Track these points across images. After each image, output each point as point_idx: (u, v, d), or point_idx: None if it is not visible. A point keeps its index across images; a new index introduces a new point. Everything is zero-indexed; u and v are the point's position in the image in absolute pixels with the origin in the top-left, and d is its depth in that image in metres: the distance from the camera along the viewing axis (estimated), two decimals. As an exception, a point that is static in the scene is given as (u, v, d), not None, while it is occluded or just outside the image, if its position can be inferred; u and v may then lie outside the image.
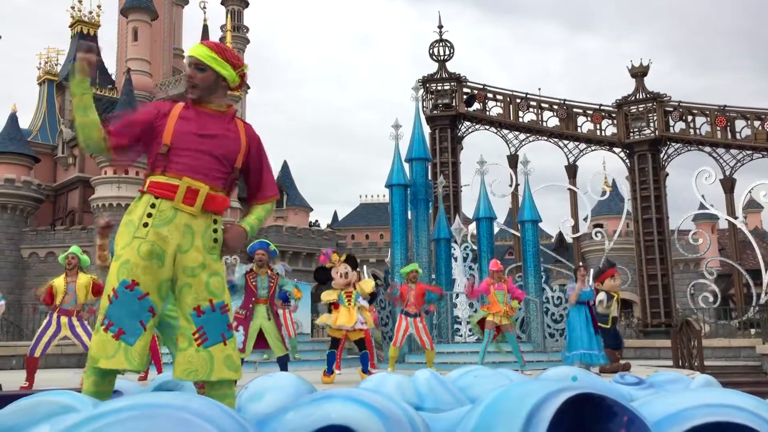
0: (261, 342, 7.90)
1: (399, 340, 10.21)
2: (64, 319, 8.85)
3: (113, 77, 53.47)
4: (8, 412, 1.84)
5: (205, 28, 58.43)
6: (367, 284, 9.76)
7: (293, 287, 12.95)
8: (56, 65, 52.54)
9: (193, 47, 3.26)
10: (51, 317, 8.89)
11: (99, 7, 54.56)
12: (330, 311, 9.66)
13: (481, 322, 11.12)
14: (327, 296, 9.46)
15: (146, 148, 3.17)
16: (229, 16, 55.21)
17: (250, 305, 7.74)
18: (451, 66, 27.37)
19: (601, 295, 11.07)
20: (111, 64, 55.63)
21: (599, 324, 10.82)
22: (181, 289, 3.05)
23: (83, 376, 3.06)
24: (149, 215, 3.04)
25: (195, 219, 3.07)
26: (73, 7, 53.56)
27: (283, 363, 7.86)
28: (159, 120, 3.15)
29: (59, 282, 8.89)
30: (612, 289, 11.16)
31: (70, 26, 55.21)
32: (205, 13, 55.47)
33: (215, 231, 3.13)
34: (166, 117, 3.15)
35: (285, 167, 50.81)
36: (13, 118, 46.74)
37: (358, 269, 9.84)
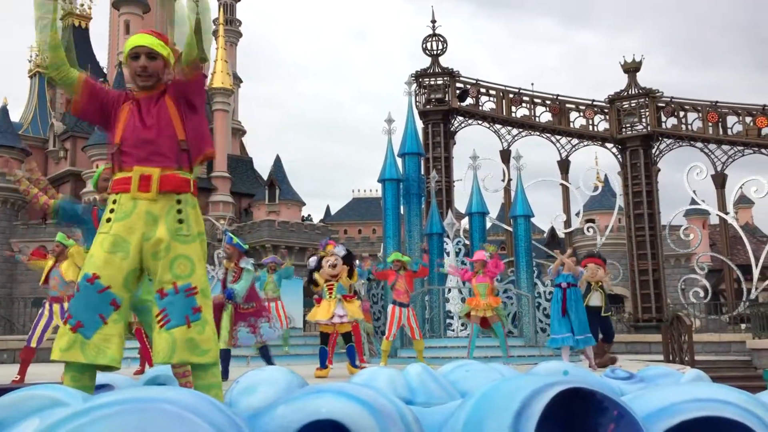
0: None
1: (392, 333, 10.18)
2: (56, 307, 8.88)
3: (105, 71, 53.21)
4: (-2, 406, 1.83)
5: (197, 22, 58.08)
6: (346, 281, 9.55)
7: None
8: (47, 58, 52.24)
9: (137, 37, 3.32)
10: (44, 306, 8.94)
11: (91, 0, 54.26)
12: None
13: (469, 316, 11.17)
14: (317, 276, 9.34)
15: (101, 124, 3.31)
16: (221, 9, 55.00)
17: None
18: (446, 61, 27.35)
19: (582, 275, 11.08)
20: (103, 58, 55.38)
21: (589, 307, 10.91)
22: (152, 275, 3.11)
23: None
24: (111, 211, 3.10)
25: (155, 203, 3.09)
26: (64, 0, 53.25)
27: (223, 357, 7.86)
28: (114, 113, 3.25)
29: (49, 263, 8.95)
30: (592, 277, 11.16)
31: (62, 19, 54.85)
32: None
33: (179, 212, 3.13)
34: (117, 115, 3.23)
35: (278, 161, 50.69)
36: (4, 111, 46.46)
37: (353, 266, 9.74)
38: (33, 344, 8.67)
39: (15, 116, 49.11)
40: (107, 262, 3.01)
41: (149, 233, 3.05)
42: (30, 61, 51.82)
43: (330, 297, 9.13)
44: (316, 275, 9.29)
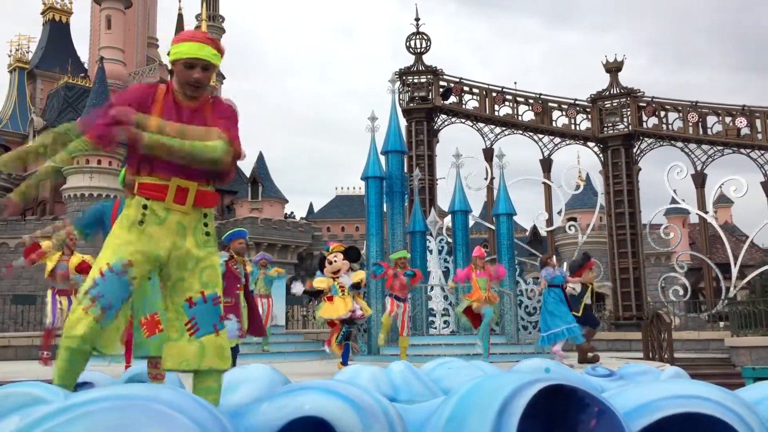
0: (256, 329, 7.96)
1: (393, 311, 10.32)
2: (64, 303, 8.89)
3: (86, 66, 52.73)
4: (-23, 403, 1.81)
5: (180, 17, 57.81)
6: (356, 275, 9.86)
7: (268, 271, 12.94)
8: (28, 53, 51.70)
9: (195, 46, 3.15)
10: (54, 298, 8.92)
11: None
12: (316, 299, 9.79)
13: (467, 311, 11.25)
14: (318, 283, 9.55)
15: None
16: (204, 5, 54.66)
17: (236, 291, 7.76)
18: (430, 59, 27.38)
19: (576, 286, 11.32)
20: (84, 53, 54.85)
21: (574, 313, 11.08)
22: (176, 283, 3.11)
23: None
24: (143, 215, 3.08)
25: (187, 216, 3.12)
26: (44, -6, 52.75)
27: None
28: (146, 112, 3.10)
29: (54, 257, 8.85)
30: (588, 280, 11.41)
31: (42, 13, 54.30)
32: (180, 1, 54.85)
33: (206, 225, 3.19)
34: (147, 109, 3.10)
35: (260, 158, 50.50)
36: (-17, 106, 45.88)
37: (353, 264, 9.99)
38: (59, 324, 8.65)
39: (-7, 111, 48.56)
40: (141, 255, 3.03)
41: (179, 242, 3.10)
42: (10, 56, 51.20)
43: (343, 294, 9.41)
44: (320, 284, 9.47)
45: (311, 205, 62.29)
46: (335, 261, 9.55)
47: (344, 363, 9.32)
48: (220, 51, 3.23)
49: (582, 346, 11.25)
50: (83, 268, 8.59)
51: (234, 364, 7.36)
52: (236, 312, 7.64)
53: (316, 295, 9.62)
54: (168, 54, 3.34)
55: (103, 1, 50.12)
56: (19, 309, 21.89)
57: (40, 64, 51.14)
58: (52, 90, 49.93)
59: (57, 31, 53.13)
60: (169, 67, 3.49)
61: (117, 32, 50.12)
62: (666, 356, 14.17)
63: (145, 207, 3.08)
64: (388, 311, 10.39)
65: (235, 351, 7.85)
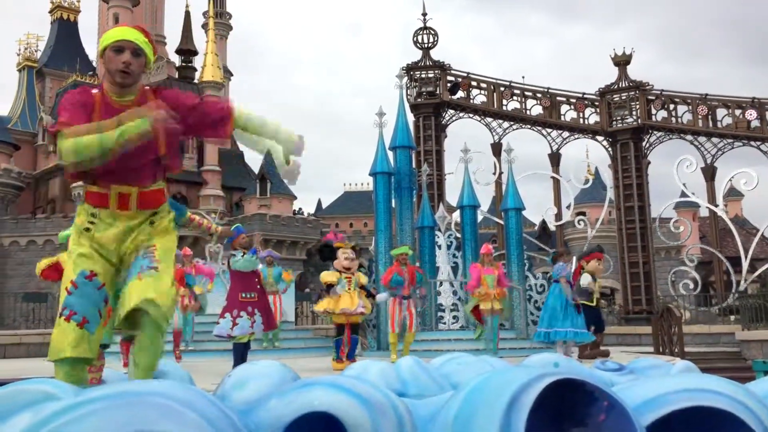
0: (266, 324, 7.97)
1: (396, 324, 10.23)
2: None
3: (94, 64, 52.86)
4: (-12, 400, 1.83)
5: (187, 15, 57.85)
6: (362, 278, 9.92)
7: (281, 271, 13.05)
8: (36, 51, 51.89)
9: (122, 30, 3.12)
10: None
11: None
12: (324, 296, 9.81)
13: (475, 310, 11.17)
14: (327, 276, 9.60)
15: None
16: (211, 2, 54.68)
17: (258, 287, 7.82)
18: (437, 54, 27.35)
19: (587, 278, 11.18)
20: (92, 51, 54.97)
21: (584, 302, 10.94)
22: (125, 278, 3.10)
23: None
24: (91, 222, 3.09)
25: (134, 219, 3.12)
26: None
27: (240, 350, 7.79)
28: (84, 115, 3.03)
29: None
30: (595, 270, 11.28)
31: (50, 12, 54.47)
32: (187, -1, 54.92)
33: (152, 223, 3.16)
34: (88, 115, 3.01)
35: (268, 155, 50.39)
36: (-8, 105, 46.13)
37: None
38: None
39: (3, 110, 48.82)
40: (101, 263, 3.06)
41: (125, 246, 3.11)
42: (18, 54, 51.41)
43: (350, 289, 9.46)
44: (328, 278, 9.49)
45: (319, 202, 62.40)
46: (353, 258, 9.59)
47: (350, 357, 9.34)
48: (151, 42, 3.16)
49: (585, 354, 11.08)
50: None
51: (244, 360, 7.39)
52: (260, 306, 7.70)
53: (329, 288, 9.64)
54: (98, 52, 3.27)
55: (110, -1, 50.22)
56: (30, 306, 22.04)
57: (48, 63, 51.37)
58: (60, 88, 50.11)
59: (65, 29, 53.32)
60: (177, 64, 3.51)
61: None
62: (676, 350, 14.13)
63: (93, 215, 3.09)
64: (389, 329, 10.27)
65: (245, 347, 7.86)
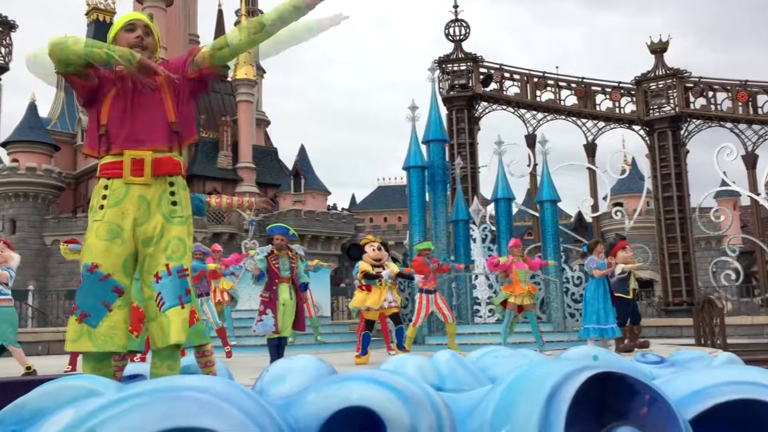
0: (297, 323, 7.99)
1: (420, 320, 10.27)
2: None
3: (130, 64, 53.61)
4: (35, 395, 1.87)
5: (220, 14, 58.41)
6: (393, 267, 9.96)
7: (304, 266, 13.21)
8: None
9: (133, 14, 3.31)
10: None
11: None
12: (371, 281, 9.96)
13: (504, 303, 11.09)
14: (365, 266, 9.77)
15: (91, 99, 3.17)
16: (243, 0, 55.10)
17: (274, 287, 7.79)
18: (470, 46, 27.28)
19: (619, 268, 10.99)
20: (127, 52, 55.78)
21: (620, 295, 10.76)
22: (144, 260, 3.07)
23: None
24: (104, 197, 3.06)
25: (148, 188, 3.07)
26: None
27: (275, 346, 7.84)
28: (101, 90, 3.14)
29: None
30: (626, 260, 11.06)
31: (86, 14, 55.42)
32: (219, -3, 55.41)
33: (173, 194, 3.12)
34: (105, 94, 3.14)
35: (302, 151, 50.79)
36: (32, 107, 47.15)
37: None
38: None
39: (43, 112, 49.82)
40: (105, 250, 3.01)
41: (141, 218, 3.05)
42: (57, 57, 52.40)
43: (380, 285, 9.63)
44: (366, 267, 9.63)
45: (353, 197, 62.56)
46: (380, 248, 9.74)
47: (400, 347, 9.49)
48: (155, 28, 3.32)
49: (624, 346, 10.93)
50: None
51: (280, 355, 7.45)
52: (273, 307, 7.71)
53: (374, 278, 9.78)
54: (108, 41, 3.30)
55: (145, 0, 50.89)
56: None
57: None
58: (98, 89, 50.98)
59: (101, 31, 54.16)
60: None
61: (159, 30, 50.75)
62: (718, 342, 13.86)
63: (105, 188, 3.06)
64: (413, 322, 10.34)
65: (280, 342, 7.92)
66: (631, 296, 11.08)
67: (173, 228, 3.08)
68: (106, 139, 3.09)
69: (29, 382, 2.57)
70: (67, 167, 48.27)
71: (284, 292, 7.85)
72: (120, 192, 3.05)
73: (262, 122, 58.67)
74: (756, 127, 24.82)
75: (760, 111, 24.61)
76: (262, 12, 63.24)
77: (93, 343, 2.94)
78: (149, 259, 3.05)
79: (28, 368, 7.99)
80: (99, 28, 54.25)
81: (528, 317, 10.89)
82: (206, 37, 56.53)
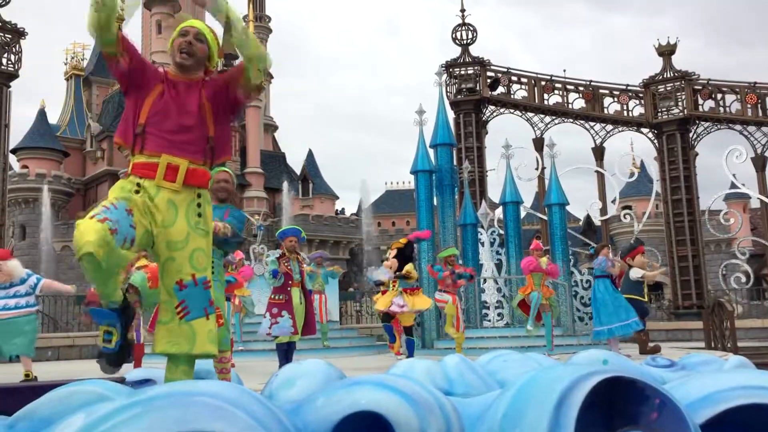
0: (306, 328, 7.97)
1: (462, 323, 10.36)
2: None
3: (138, 70, 53.85)
4: (45, 401, 1.88)
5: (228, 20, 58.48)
6: (406, 269, 9.97)
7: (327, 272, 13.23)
8: (82, 60, 53.13)
9: (191, 21, 3.35)
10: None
11: (123, 0, 55.04)
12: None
13: (521, 305, 11.14)
14: (378, 275, 9.94)
15: (130, 88, 3.18)
16: (251, 5, 55.32)
17: (288, 288, 7.77)
18: (477, 50, 27.18)
19: (637, 272, 11.03)
20: (136, 58, 56.01)
21: (633, 296, 10.82)
22: (165, 263, 3.07)
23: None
24: (136, 192, 3.07)
25: (178, 194, 3.09)
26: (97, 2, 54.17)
27: (283, 351, 7.83)
28: (144, 87, 3.16)
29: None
30: (642, 265, 11.12)
31: (95, 21, 55.60)
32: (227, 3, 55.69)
33: (199, 206, 3.15)
34: (148, 91, 3.16)
35: (310, 155, 50.89)
36: (42, 114, 47.44)
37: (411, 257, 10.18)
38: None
39: (52, 118, 50.09)
40: (138, 210, 3.01)
41: (168, 221, 3.06)
42: (66, 64, 52.73)
43: (393, 288, 9.75)
44: (382, 275, 9.82)
45: (361, 201, 62.52)
46: (387, 258, 9.86)
47: (410, 355, 9.52)
48: (217, 40, 3.34)
49: (640, 336, 11.00)
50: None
51: (289, 360, 7.45)
52: (289, 309, 7.68)
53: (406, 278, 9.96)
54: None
55: (153, 6, 51.15)
56: (82, 309, 22.56)
57: (95, 71, 52.56)
58: (107, 96, 51.28)
59: (109, 38, 54.42)
60: (219, 68, 3.57)
61: (167, 36, 51.02)
62: (729, 345, 13.78)
63: (138, 185, 3.08)
64: (450, 301, 10.31)
65: (289, 347, 7.90)
66: (646, 298, 11.19)
67: (198, 239, 3.11)
68: (141, 138, 3.11)
69: (41, 387, 2.58)
70: (77, 173, 48.50)
71: (295, 296, 7.83)
72: (151, 192, 3.07)
73: (270, 127, 58.81)
74: (765, 129, 24.68)
75: (769, 113, 24.49)
76: (269, 18, 62.91)
77: (108, 257, 2.83)
78: (172, 263, 3.06)
79: (27, 375, 7.97)
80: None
81: (543, 318, 10.91)
82: (214, 43, 56.70)
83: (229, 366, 4.27)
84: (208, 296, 3.08)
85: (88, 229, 2.74)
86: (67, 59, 52.55)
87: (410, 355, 9.55)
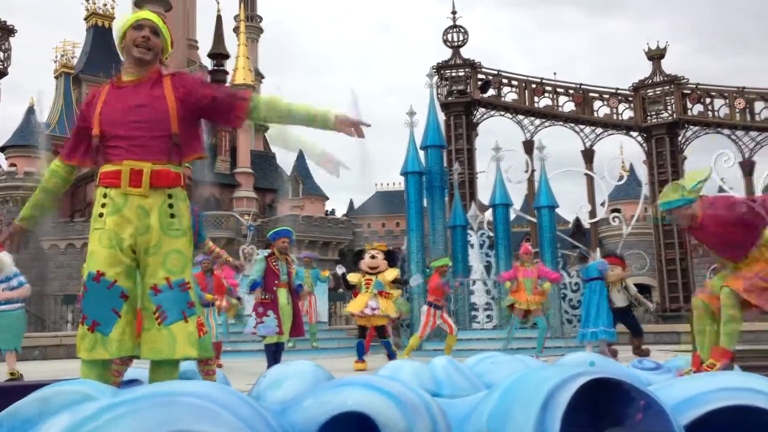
0: (294, 329, 7.95)
1: (426, 332, 10.24)
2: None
3: (129, 69, 53.62)
4: (29, 401, 1.87)
5: (219, 19, 58.41)
6: (390, 273, 9.89)
7: (319, 273, 13.06)
8: (73, 58, 52.87)
9: (142, 12, 3.31)
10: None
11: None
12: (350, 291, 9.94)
13: (512, 307, 11.11)
14: (351, 277, 9.70)
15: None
16: (242, 5, 55.20)
17: (274, 288, 7.74)
18: (471, 51, 27.36)
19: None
20: (126, 57, 55.77)
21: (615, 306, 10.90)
22: (144, 270, 3.05)
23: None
24: (103, 205, 3.05)
25: (146, 199, 3.04)
26: (87, 0, 53.85)
27: (272, 351, 7.80)
28: (89, 114, 3.14)
29: None
30: (613, 277, 11.07)
31: (85, 19, 55.46)
32: (218, 3, 55.44)
33: (171, 206, 3.08)
34: (93, 107, 3.13)
35: (300, 156, 50.66)
36: (30, 112, 47.13)
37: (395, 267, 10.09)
38: None
39: (41, 117, 49.77)
40: (109, 257, 2.99)
41: (141, 228, 3.03)
42: (55, 62, 52.46)
43: (366, 291, 9.54)
44: (351, 278, 9.64)
45: (351, 202, 62.45)
46: (376, 257, 9.65)
47: (391, 357, 9.41)
48: (168, 29, 3.29)
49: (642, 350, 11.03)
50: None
51: (277, 361, 7.43)
52: (274, 309, 7.67)
53: (351, 288, 9.74)
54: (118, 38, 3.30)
55: (144, 4, 50.93)
56: (70, 308, 22.45)
57: (84, 69, 52.27)
58: (96, 94, 50.92)
59: (100, 36, 54.21)
60: (209, 68, 3.55)
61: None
62: (715, 348, 13.85)
63: (105, 196, 3.05)
64: (419, 333, 10.28)
65: (277, 347, 7.88)
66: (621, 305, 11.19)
67: (171, 241, 3.05)
68: (103, 148, 3.09)
69: (26, 386, 2.56)
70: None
71: (282, 297, 7.82)
72: (119, 201, 3.03)
73: (261, 127, 58.68)
74: (753, 133, 24.88)
75: (757, 117, 24.68)
76: (260, 18, 62.80)
77: (107, 350, 2.94)
78: (146, 269, 3.04)
79: (12, 374, 7.90)
80: (98, 33, 54.32)
81: (537, 322, 10.90)
82: (205, 43, 56.52)
83: (214, 368, 4.26)
84: (185, 298, 3.01)
85: (80, 337, 2.98)
86: (57, 57, 52.28)
87: (391, 355, 9.50)
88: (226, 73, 54.67)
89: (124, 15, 3.34)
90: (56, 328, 21.16)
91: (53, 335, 16.70)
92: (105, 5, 54.93)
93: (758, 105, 24.73)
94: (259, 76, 58.24)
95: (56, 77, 52.42)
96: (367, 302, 9.47)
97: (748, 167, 24.89)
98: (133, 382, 3.21)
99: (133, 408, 1.60)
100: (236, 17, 55.69)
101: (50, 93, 53.15)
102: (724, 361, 4.84)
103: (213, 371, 4.26)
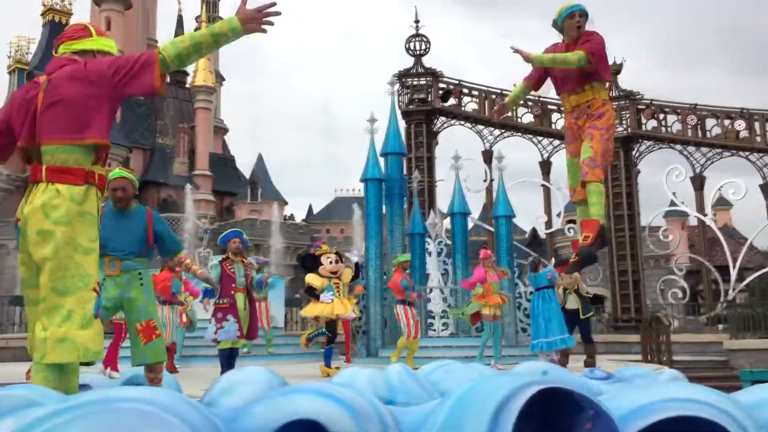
0: (249, 332, 7.86)
1: (412, 331, 10.16)
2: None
3: (85, 67, 52.69)
4: (-29, 406, 1.81)
5: (180, 19, 57.86)
6: (346, 274, 9.87)
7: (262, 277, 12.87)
8: (27, 54, 51.72)
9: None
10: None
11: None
12: (311, 299, 9.72)
13: (476, 315, 10.94)
14: (312, 279, 9.40)
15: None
16: (204, 6, 54.71)
17: (231, 292, 7.64)
18: (433, 61, 27.58)
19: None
20: (83, 54, 54.79)
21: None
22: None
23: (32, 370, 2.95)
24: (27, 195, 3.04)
25: (43, 192, 3.00)
26: (44, -5, 52.79)
27: (226, 357, 7.70)
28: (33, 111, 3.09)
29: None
30: (565, 284, 11.19)
31: (42, 14, 54.32)
32: (180, 3, 54.87)
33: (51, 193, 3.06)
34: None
35: (260, 160, 50.45)
36: (-19, 108, 45.82)
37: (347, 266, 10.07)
38: None
39: None
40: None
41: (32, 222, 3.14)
42: (9, 57, 51.23)
43: (339, 294, 9.38)
44: (313, 281, 9.38)
45: (310, 207, 62.32)
46: (336, 260, 9.51)
47: (327, 364, 9.31)
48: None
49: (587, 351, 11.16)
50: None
51: (231, 367, 7.34)
52: (234, 313, 7.57)
53: (311, 292, 9.54)
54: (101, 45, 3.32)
55: (102, 2, 50.14)
56: (17, 310, 21.85)
57: (39, 66, 51.09)
58: (51, 91, 49.86)
59: (57, 32, 52.97)
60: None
61: (116, 34, 50.09)
62: (665, 359, 14.17)
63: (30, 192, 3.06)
64: (404, 335, 10.20)
65: (231, 353, 7.79)
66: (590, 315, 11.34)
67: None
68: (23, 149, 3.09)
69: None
70: (17, 170, 47.03)
71: (240, 301, 7.74)
72: (29, 197, 3.04)
73: (220, 130, 58.13)
74: (704, 149, 25.56)
75: (708, 134, 25.37)
76: (222, 18, 62.90)
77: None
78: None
79: None
80: (54, 28, 53.23)
81: (494, 329, 10.86)
82: (165, 42, 56.02)
83: (161, 376, 4.16)
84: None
85: (99, 335, 2.91)
86: (11, 52, 51.05)
87: (327, 362, 9.43)
88: (186, 74, 54.06)
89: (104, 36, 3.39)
90: (2, 330, 20.57)
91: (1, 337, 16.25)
92: (62, 1, 53.85)
93: (709, 122, 25.43)
94: (219, 78, 57.72)
95: (10, 72, 51.18)
96: (351, 307, 9.56)
97: (698, 182, 25.56)
98: (82, 387, 3.14)
99: (80, 414, 1.57)
100: (198, 18, 55.15)
101: (3, 89, 51.84)
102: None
103: (159, 379, 4.15)
